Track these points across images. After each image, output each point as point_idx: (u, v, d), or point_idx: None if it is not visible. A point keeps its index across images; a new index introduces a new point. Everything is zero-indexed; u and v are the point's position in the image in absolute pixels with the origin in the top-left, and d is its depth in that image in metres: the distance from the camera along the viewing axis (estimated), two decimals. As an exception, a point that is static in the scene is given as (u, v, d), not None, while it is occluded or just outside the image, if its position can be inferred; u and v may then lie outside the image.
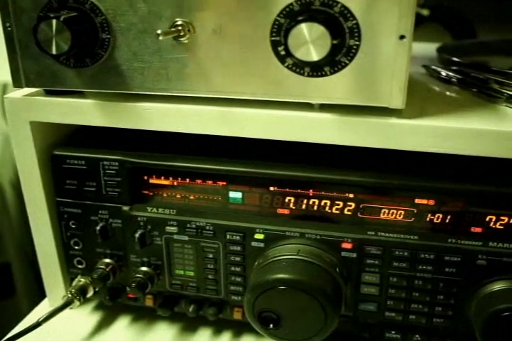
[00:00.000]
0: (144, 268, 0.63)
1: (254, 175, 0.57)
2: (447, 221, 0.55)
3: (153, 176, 0.60)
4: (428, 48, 0.82)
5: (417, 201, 0.55)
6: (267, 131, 0.53)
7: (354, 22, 0.46)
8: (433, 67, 0.70)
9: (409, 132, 0.50)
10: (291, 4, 0.47)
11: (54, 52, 0.51)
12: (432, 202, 0.54)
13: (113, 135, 0.63)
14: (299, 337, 0.54)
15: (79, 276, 0.65)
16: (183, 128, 0.55)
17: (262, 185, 0.57)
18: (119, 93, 0.55)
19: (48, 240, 0.65)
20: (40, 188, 0.62)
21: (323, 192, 0.56)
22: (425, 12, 0.98)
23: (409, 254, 0.55)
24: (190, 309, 0.64)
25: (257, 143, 0.56)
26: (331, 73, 0.48)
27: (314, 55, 0.46)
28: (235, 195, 0.58)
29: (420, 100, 0.57)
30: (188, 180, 0.59)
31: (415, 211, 0.55)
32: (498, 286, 0.54)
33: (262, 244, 0.58)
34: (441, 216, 0.55)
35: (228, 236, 0.59)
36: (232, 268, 0.60)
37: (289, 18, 0.47)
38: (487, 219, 0.54)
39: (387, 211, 0.56)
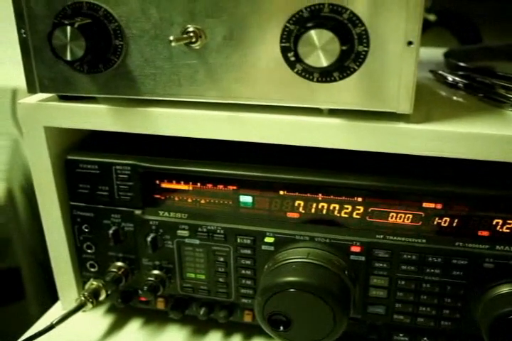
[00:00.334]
0: (155, 272, 0.63)
1: (265, 180, 0.57)
2: (454, 224, 0.55)
3: (165, 180, 0.60)
4: (435, 53, 0.82)
5: (424, 205, 0.55)
6: (277, 135, 0.54)
7: (362, 28, 0.47)
8: (440, 72, 0.70)
9: (417, 137, 0.50)
10: (301, 11, 0.47)
11: (68, 58, 0.51)
12: (439, 206, 0.55)
13: (125, 140, 0.63)
14: (309, 339, 0.55)
15: (91, 279, 0.66)
16: (194, 133, 0.56)
17: (272, 189, 0.58)
18: (131, 98, 0.56)
19: (61, 244, 0.65)
20: (53, 192, 0.63)
21: (332, 196, 0.57)
22: (432, 17, 0.99)
23: (417, 258, 0.56)
24: (201, 312, 0.64)
25: (267, 148, 0.57)
26: (340, 79, 0.49)
27: (323, 61, 0.46)
28: (246, 199, 0.59)
29: (427, 105, 0.57)
30: (199, 184, 0.60)
31: (423, 215, 0.55)
32: (505, 289, 0.54)
33: (272, 248, 0.59)
34: (448, 220, 0.55)
35: (239, 240, 0.59)
36: (243, 272, 0.61)
37: (299, 25, 0.48)
38: (494, 222, 0.54)
39: (395, 215, 0.56)
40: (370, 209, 0.57)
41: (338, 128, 0.52)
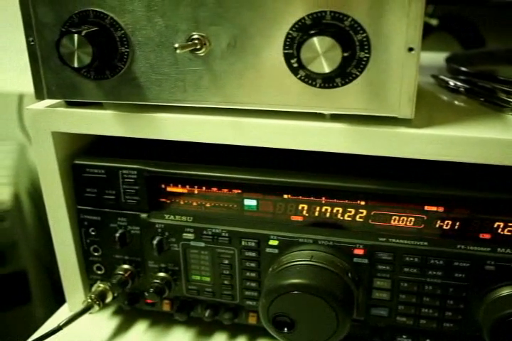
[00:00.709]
0: (161, 274, 0.64)
1: (269, 183, 0.58)
2: (456, 227, 0.55)
3: (171, 184, 0.61)
4: (437, 58, 0.82)
5: (426, 208, 0.55)
6: (281, 140, 0.54)
7: (364, 35, 0.47)
8: (441, 76, 0.70)
9: (418, 141, 0.51)
10: (303, 18, 0.48)
11: (76, 65, 0.52)
12: (441, 209, 0.55)
13: (131, 144, 0.64)
14: (313, 341, 0.56)
15: (98, 282, 0.66)
16: (198, 138, 0.57)
17: (276, 192, 0.59)
18: (136, 104, 0.57)
19: (68, 247, 0.66)
20: (60, 196, 0.63)
21: (335, 200, 0.57)
22: (434, 22, 0.99)
23: (419, 260, 0.56)
24: (206, 314, 0.64)
25: (270, 152, 0.57)
26: (342, 84, 0.50)
27: (326, 67, 0.47)
28: (250, 202, 0.60)
29: (429, 109, 0.58)
30: (204, 188, 0.60)
31: (425, 218, 0.56)
32: (506, 291, 0.54)
33: (276, 250, 0.59)
34: (450, 222, 0.55)
35: (243, 243, 0.60)
36: (247, 274, 0.61)
37: (301, 32, 0.48)
38: (495, 225, 0.55)
39: (397, 218, 0.57)
40: (372, 213, 0.57)
41: (341, 132, 0.52)
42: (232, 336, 0.67)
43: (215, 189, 0.60)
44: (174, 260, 0.63)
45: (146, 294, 0.64)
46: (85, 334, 0.67)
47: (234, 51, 0.51)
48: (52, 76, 0.56)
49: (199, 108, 0.55)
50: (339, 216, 0.58)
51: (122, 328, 0.69)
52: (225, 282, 0.63)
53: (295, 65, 0.50)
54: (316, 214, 0.59)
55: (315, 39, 0.46)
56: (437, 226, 0.56)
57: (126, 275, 0.64)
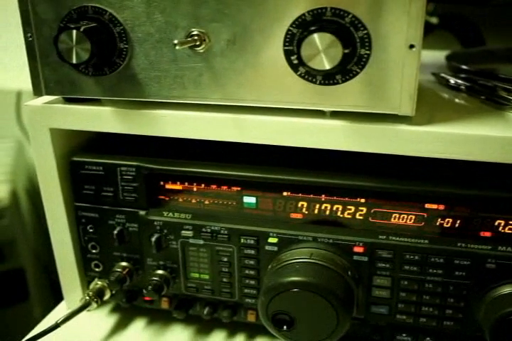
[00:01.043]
0: (159, 271, 0.64)
1: (268, 181, 0.58)
2: (457, 225, 0.55)
3: (169, 181, 0.61)
4: (437, 56, 0.82)
5: (427, 206, 0.55)
6: (280, 137, 0.54)
7: (365, 32, 0.47)
8: (442, 74, 0.70)
9: (419, 138, 0.50)
10: (304, 15, 0.48)
11: (74, 61, 0.52)
12: (441, 207, 0.55)
13: (130, 141, 0.64)
14: (312, 339, 0.55)
15: (96, 279, 0.66)
16: (197, 135, 0.56)
17: (275, 190, 0.58)
18: (135, 100, 0.57)
19: (66, 244, 0.66)
20: (58, 193, 0.63)
21: (335, 197, 0.57)
22: (434, 20, 0.99)
23: (419, 258, 0.56)
24: (205, 311, 0.64)
25: (270, 149, 0.57)
26: (343, 81, 0.49)
27: (326, 64, 0.47)
28: (249, 199, 0.59)
29: (429, 107, 0.58)
30: (203, 185, 0.60)
31: (425, 216, 0.56)
32: (507, 289, 0.54)
33: (275, 248, 0.59)
34: (450, 220, 0.55)
35: (242, 240, 0.60)
36: (247, 272, 0.61)
37: (302, 28, 0.48)
38: (496, 223, 0.55)
39: (397, 215, 0.57)
40: (372, 210, 0.57)
41: (341, 130, 0.52)
42: (231, 334, 0.67)
43: (214, 186, 0.60)
44: (173, 257, 0.63)
45: (145, 291, 0.64)
46: (83, 332, 0.67)
47: (234, 48, 0.51)
48: (50, 72, 0.56)
49: (199, 105, 0.55)
50: (339, 213, 0.58)
51: (120, 326, 0.68)
52: (224, 280, 0.62)
53: (295, 62, 0.50)
54: (316, 211, 0.58)
55: (315, 35, 0.46)
56: (438, 224, 0.56)
57: (124, 272, 0.64)
